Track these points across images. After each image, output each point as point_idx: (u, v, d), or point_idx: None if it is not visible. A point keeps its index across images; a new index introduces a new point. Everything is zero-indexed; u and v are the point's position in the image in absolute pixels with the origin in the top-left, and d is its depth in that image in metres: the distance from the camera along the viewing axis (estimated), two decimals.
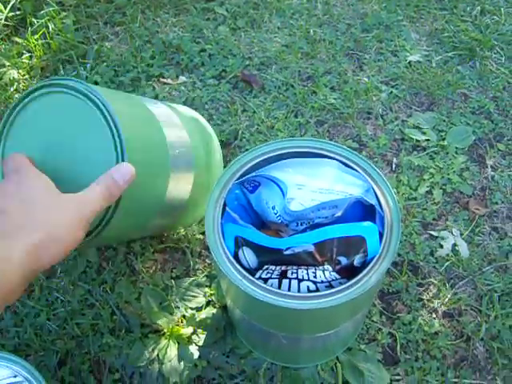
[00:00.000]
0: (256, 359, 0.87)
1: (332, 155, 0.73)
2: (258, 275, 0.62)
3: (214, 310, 0.91)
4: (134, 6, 1.50)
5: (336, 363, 0.87)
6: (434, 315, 0.93)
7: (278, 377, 0.86)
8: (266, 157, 0.73)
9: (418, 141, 1.15)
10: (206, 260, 0.98)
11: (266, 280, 0.62)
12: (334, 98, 1.22)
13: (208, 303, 0.92)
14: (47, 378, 0.86)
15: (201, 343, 0.88)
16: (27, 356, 0.89)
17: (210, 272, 0.96)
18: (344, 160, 0.72)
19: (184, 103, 1.22)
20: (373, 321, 0.91)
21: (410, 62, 1.32)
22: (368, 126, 1.19)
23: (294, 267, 0.62)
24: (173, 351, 0.87)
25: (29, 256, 0.47)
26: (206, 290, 0.93)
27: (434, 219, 1.04)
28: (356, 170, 0.71)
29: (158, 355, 0.87)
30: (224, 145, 1.14)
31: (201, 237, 1.00)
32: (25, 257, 0.47)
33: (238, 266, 0.61)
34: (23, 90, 1.29)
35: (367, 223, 0.61)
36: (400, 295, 0.95)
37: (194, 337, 0.89)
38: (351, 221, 0.64)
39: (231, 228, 0.63)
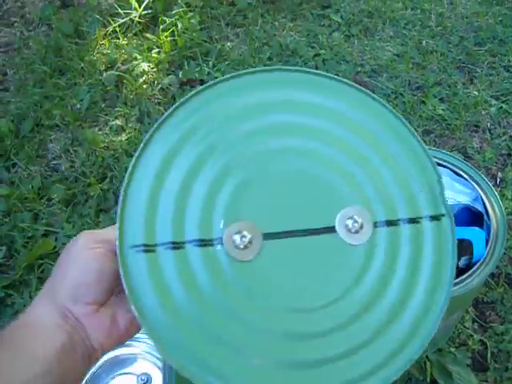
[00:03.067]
0: None
1: (443, 163, 0.78)
2: None
3: None
4: (255, 9, 1.60)
5: (425, 361, 0.91)
6: None
7: None
8: None
9: None
10: None
11: None
12: (443, 109, 1.25)
13: None
14: None
15: None
16: None
17: None
18: (455, 169, 0.77)
19: None
20: (465, 326, 0.95)
21: None
22: (475, 138, 1.21)
23: None
24: None
25: None
26: None
27: None
28: (465, 179, 0.76)
29: None
30: None
31: None
32: None
33: None
34: (152, 81, 1.43)
35: (476, 229, 0.66)
36: (494, 306, 0.97)
37: None
38: (459, 225, 0.69)
39: None
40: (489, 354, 0.92)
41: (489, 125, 1.23)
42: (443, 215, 0.35)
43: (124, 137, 1.30)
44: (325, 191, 0.34)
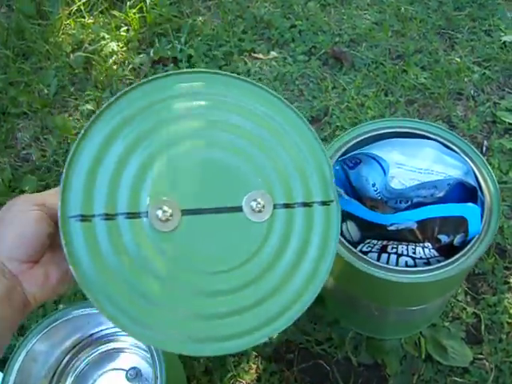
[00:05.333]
0: (342, 328, 0.91)
1: (432, 136, 0.75)
2: (359, 248, 0.66)
3: None
4: None
5: (419, 337, 0.90)
6: None
7: (363, 346, 0.90)
8: (366, 136, 0.75)
9: (510, 124, 1.13)
10: None
11: (365, 253, 0.66)
12: (425, 78, 1.22)
13: None
14: None
15: None
16: None
17: None
18: (444, 141, 0.74)
19: (275, 78, 1.26)
20: (458, 300, 0.93)
21: (504, 43, 1.29)
22: (459, 106, 1.18)
23: (395, 243, 0.65)
24: None
25: None
26: None
27: None
28: (456, 152, 0.73)
29: None
30: (314, 120, 1.17)
31: None
32: None
33: (342, 238, 0.65)
34: (122, 61, 1.36)
35: (470, 205, 0.63)
36: (486, 277, 0.96)
37: None
38: (452, 202, 0.66)
39: None
40: (482, 327, 0.91)
41: (472, 92, 1.20)
42: (332, 201, 0.44)
43: None
44: (235, 176, 0.41)
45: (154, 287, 0.38)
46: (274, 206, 0.42)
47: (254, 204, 0.41)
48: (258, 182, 0.42)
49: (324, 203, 0.43)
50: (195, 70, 0.44)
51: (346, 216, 0.66)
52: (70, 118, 1.26)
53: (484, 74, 1.22)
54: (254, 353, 0.90)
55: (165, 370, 0.73)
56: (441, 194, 0.67)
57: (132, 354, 0.88)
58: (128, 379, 0.85)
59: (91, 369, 0.87)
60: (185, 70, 0.45)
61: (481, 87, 1.20)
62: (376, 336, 0.89)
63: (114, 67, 1.35)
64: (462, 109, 1.17)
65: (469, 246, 0.63)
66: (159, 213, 0.38)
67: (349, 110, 1.18)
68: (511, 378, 0.86)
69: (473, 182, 0.68)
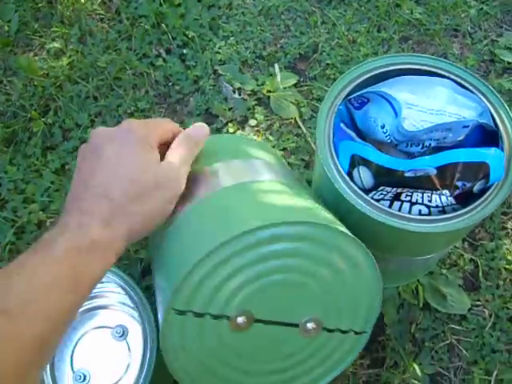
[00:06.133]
0: None
1: (444, 73, 0.69)
2: (370, 195, 0.61)
3: None
4: None
5: (417, 285, 0.87)
6: None
7: None
8: (374, 73, 0.69)
9: (509, 63, 1.08)
10: None
11: (377, 201, 0.61)
12: (420, 13, 1.14)
13: None
14: None
15: None
16: None
17: None
18: (458, 80, 0.68)
19: (259, 12, 1.16)
20: (455, 246, 0.91)
21: None
22: (455, 44, 1.12)
23: (410, 190, 0.61)
24: None
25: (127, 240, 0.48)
26: None
27: None
28: (471, 91, 0.67)
29: None
30: (302, 58, 1.10)
31: (281, 153, 0.99)
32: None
33: (352, 184, 0.59)
34: None
35: (493, 149, 0.58)
36: (483, 222, 0.93)
37: None
38: (472, 146, 0.61)
39: (348, 145, 0.61)
40: (480, 273, 0.89)
41: (469, 28, 1.13)
42: (365, 332, 0.52)
43: (65, 61, 1.13)
44: (302, 299, 0.50)
45: (226, 375, 0.50)
46: (322, 329, 0.51)
47: (308, 325, 0.50)
48: (316, 308, 0.50)
49: (357, 333, 0.52)
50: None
51: (358, 161, 0.61)
52: (36, 58, 1.15)
53: (481, 9, 1.16)
54: None
55: (155, 330, 0.69)
56: (461, 138, 0.62)
57: (117, 311, 0.83)
58: (114, 337, 0.81)
59: (73, 328, 0.82)
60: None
61: (478, 23, 1.14)
62: None
63: (82, 0, 1.22)
64: (458, 46, 1.11)
65: (488, 193, 0.59)
66: (239, 319, 0.48)
67: (339, 47, 1.10)
68: (508, 324, 0.85)
69: (490, 124, 0.63)
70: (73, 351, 0.80)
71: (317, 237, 0.48)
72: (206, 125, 0.56)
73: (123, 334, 0.80)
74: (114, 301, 0.82)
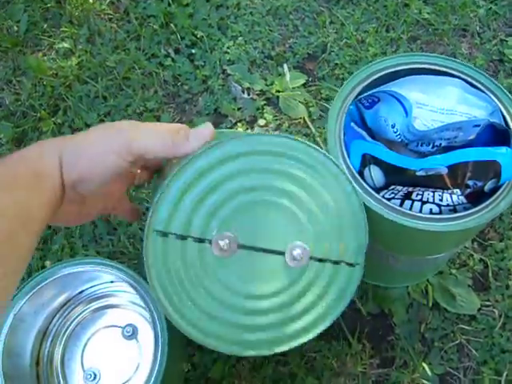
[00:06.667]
0: None
1: (454, 72, 0.69)
2: (381, 194, 0.61)
3: None
4: None
5: (427, 285, 0.87)
6: None
7: (369, 295, 0.87)
8: (384, 72, 0.69)
9: None
10: None
11: (388, 199, 0.61)
12: (428, 13, 1.14)
13: None
14: None
15: None
16: (121, 263, 0.92)
17: None
18: (469, 79, 0.68)
19: (268, 12, 1.16)
20: (465, 246, 0.90)
21: None
22: (464, 44, 1.11)
23: (421, 189, 0.61)
24: None
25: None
26: None
27: None
28: (481, 90, 0.67)
29: None
30: (311, 58, 1.10)
31: None
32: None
33: (363, 183, 0.59)
34: None
35: (505, 148, 0.58)
36: (493, 222, 0.93)
37: None
38: (483, 145, 0.61)
39: (359, 145, 0.61)
40: (490, 273, 0.89)
41: (478, 28, 1.13)
42: (358, 264, 0.52)
43: (74, 61, 1.14)
44: (285, 227, 0.51)
45: (205, 299, 0.49)
46: (310, 258, 0.51)
47: (295, 253, 0.50)
48: (303, 235, 0.51)
49: (351, 265, 0.52)
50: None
51: (369, 160, 0.61)
52: (45, 58, 1.15)
53: (490, 8, 1.15)
54: None
55: (166, 330, 0.69)
56: (472, 137, 0.61)
57: (127, 311, 0.83)
58: (124, 337, 0.81)
59: (83, 327, 0.82)
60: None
61: (487, 23, 1.14)
62: (383, 284, 0.86)
63: (91, 1, 1.23)
64: (466, 46, 1.11)
65: (499, 192, 0.59)
66: (222, 243, 0.49)
67: (348, 47, 1.10)
68: None
69: (502, 123, 0.63)
70: (83, 350, 0.80)
71: (276, 150, 0.51)
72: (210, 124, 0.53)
73: (133, 333, 0.80)
74: (125, 300, 0.83)
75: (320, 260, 0.51)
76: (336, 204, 0.52)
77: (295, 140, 0.51)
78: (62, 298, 0.80)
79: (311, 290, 0.51)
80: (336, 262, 0.51)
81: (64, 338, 0.82)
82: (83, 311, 0.83)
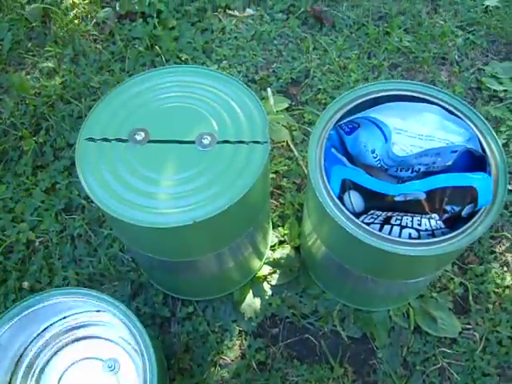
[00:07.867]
0: (328, 300, 0.88)
1: (434, 100, 0.70)
2: (361, 219, 0.61)
3: (288, 250, 0.91)
4: None
5: (408, 309, 0.87)
6: (506, 268, 0.92)
7: (351, 318, 0.87)
8: (365, 99, 0.70)
9: (495, 91, 1.10)
10: (280, 199, 0.97)
11: (368, 224, 0.61)
12: (409, 41, 1.17)
13: (281, 243, 0.92)
14: None
15: (274, 282, 0.89)
16: (102, 285, 0.91)
17: (283, 212, 0.95)
18: (446, 106, 0.69)
19: (252, 37, 1.18)
20: (445, 270, 0.91)
21: (487, 7, 1.25)
22: (443, 72, 1.14)
23: (400, 214, 0.61)
24: (247, 288, 0.88)
25: None
26: (280, 229, 0.93)
27: (510, 172, 1.01)
28: (459, 117, 0.68)
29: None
30: (294, 83, 1.11)
31: (272, 176, 0.99)
32: None
33: (343, 208, 0.60)
34: (85, 15, 1.25)
35: (481, 174, 0.59)
36: (472, 246, 0.94)
37: (267, 276, 0.90)
38: (460, 170, 0.62)
39: (339, 170, 0.62)
40: (470, 297, 0.89)
41: (456, 57, 1.16)
42: (259, 142, 0.65)
43: (58, 80, 1.14)
44: (194, 119, 0.67)
45: (127, 178, 0.63)
46: (218, 142, 0.65)
47: (203, 140, 0.64)
48: (208, 125, 0.66)
49: (256, 142, 0.64)
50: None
51: (349, 185, 0.61)
52: (28, 77, 1.15)
53: (468, 38, 1.19)
54: (238, 328, 0.86)
55: (155, 362, 0.66)
56: (449, 163, 0.63)
57: (112, 343, 0.81)
58: (105, 370, 0.78)
59: (62, 357, 0.80)
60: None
61: (465, 52, 1.17)
62: (364, 308, 0.87)
63: (76, 21, 1.24)
64: (446, 74, 1.14)
65: (476, 217, 0.60)
66: (137, 136, 0.65)
67: (331, 73, 1.12)
68: (498, 348, 0.85)
69: (478, 150, 0.64)
70: (60, 378, 0.78)
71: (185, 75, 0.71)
72: None
73: (114, 367, 0.78)
74: (112, 332, 0.80)
75: (227, 142, 0.64)
76: (236, 103, 0.68)
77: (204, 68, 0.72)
78: (42, 327, 0.78)
79: (232, 167, 0.62)
80: (242, 142, 0.64)
81: (39, 368, 0.79)
82: (61, 340, 0.81)
